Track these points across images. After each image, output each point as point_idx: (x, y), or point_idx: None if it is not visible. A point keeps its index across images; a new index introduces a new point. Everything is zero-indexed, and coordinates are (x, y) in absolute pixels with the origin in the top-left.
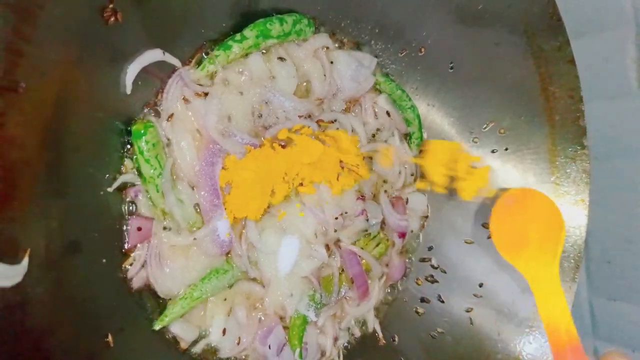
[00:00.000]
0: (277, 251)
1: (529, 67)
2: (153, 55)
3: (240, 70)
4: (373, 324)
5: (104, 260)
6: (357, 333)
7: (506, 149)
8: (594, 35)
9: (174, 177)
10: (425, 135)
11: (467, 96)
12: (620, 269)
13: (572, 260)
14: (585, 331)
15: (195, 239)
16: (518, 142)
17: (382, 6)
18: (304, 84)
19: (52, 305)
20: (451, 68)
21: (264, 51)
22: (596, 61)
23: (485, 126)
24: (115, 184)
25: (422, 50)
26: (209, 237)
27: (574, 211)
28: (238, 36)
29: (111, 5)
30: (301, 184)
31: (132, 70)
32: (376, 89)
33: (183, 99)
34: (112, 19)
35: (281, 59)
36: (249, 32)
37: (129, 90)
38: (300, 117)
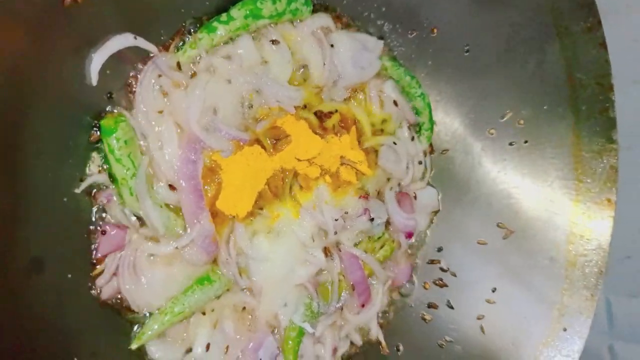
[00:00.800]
0: (270, 257)
1: (554, 51)
2: (123, 40)
3: (227, 55)
4: (376, 333)
5: (70, 276)
6: (359, 342)
7: (525, 142)
8: (619, 16)
9: (151, 177)
10: (436, 127)
11: (483, 83)
12: None
13: (595, 267)
14: (601, 330)
15: (177, 247)
16: (538, 134)
17: None
18: (301, 70)
19: (12, 331)
20: (467, 51)
21: (254, 33)
22: (622, 43)
23: (502, 116)
24: (83, 186)
25: (435, 31)
26: (193, 244)
27: (598, 211)
28: (224, 16)
29: None
30: (297, 183)
31: (97, 59)
32: (382, 75)
33: (160, 90)
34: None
35: (274, 41)
36: (237, 11)
37: (94, 82)
38: (296, 107)
